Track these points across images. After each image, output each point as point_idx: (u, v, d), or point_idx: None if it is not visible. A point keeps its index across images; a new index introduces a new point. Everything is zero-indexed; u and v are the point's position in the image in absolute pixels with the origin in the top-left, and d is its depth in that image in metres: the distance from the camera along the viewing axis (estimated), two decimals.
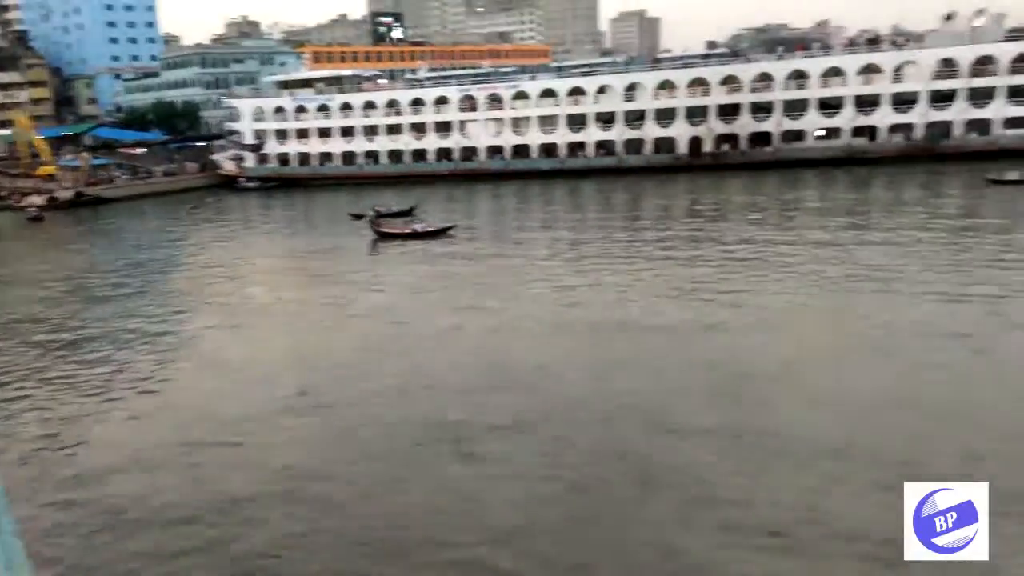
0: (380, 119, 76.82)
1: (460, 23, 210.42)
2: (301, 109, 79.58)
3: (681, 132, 67.68)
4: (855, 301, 27.41)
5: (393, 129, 76.43)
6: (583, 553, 13.97)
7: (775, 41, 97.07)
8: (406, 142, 76.01)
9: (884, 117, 62.74)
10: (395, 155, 76.57)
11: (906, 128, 62.43)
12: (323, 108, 78.78)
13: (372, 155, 77.46)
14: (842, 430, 17.45)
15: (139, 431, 20.37)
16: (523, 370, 22.54)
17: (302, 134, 79.44)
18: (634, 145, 69.15)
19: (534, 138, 72.19)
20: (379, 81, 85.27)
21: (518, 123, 72.91)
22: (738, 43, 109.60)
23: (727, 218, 45.75)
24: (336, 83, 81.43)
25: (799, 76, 65.01)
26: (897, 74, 62.66)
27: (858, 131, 63.40)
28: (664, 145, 68.33)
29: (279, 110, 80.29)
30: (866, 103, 63.19)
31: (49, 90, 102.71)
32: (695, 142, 67.39)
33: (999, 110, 60.02)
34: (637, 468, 16.57)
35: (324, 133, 78.76)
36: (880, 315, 25.37)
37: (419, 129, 75.63)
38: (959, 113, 61.05)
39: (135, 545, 14.96)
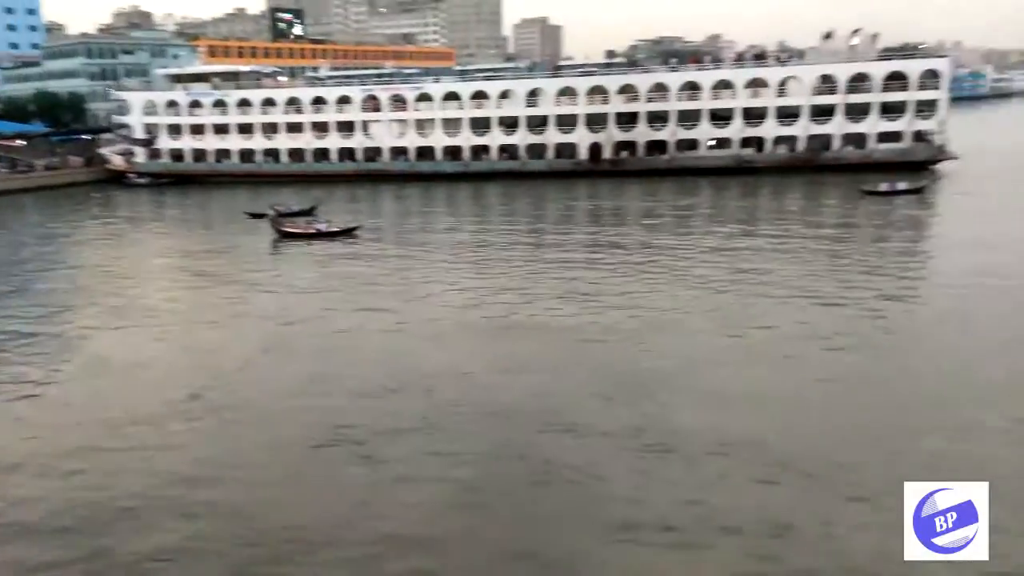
0: (280, 117, 75.18)
1: (363, 23, 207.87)
2: (196, 104, 76.98)
3: (582, 138, 69.29)
4: (743, 304, 28.88)
5: (294, 127, 74.98)
6: (480, 553, 14.23)
7: (670, 53, 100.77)
8: (307, 141, 74.71)
9: (770, 129, 66.17)
10: (296, 154, 75.12)
11: (790, 140, 66.05)
12: (220, 104, 76.42)
13: (272, 153, 75.71)
14: (729, 428, 18.45)
15: (20, 436, 19.35)
16: (423, 372, 22.67)
17: (197, 130, 76.87)
18: (536, 150, 70.31)
19: (438, 140, 72.30)
20: (279, 78, 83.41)
21: (422, 125, 72.85)
22: (636, 53, 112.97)
23: (625, 223, 47.21)
24: (233, 78, 79.17)
25: (692, 88, 67.72)
26: (782, 89, 66.18)
27: (747, 142, 66.61)
28: (565, 150, 69.79)
29: (172, 104, 77.40)
30: (754, 115, 66.46)
31: None
32: (595, 148, 69.14)
33: (873, 125, 64.36)
34: (536, 468, 16.98)
35: (221, 129, 76.42)
36: (765, 318, 26.85)
37: (321, 128, 74.49)
38: (838, 127, 65.08)
39: (11, 554, 14.29)
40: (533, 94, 70.77)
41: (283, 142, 75.25)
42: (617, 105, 68.42)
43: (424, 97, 72.87)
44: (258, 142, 75.75)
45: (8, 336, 27.92)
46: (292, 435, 18.88)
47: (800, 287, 30.66)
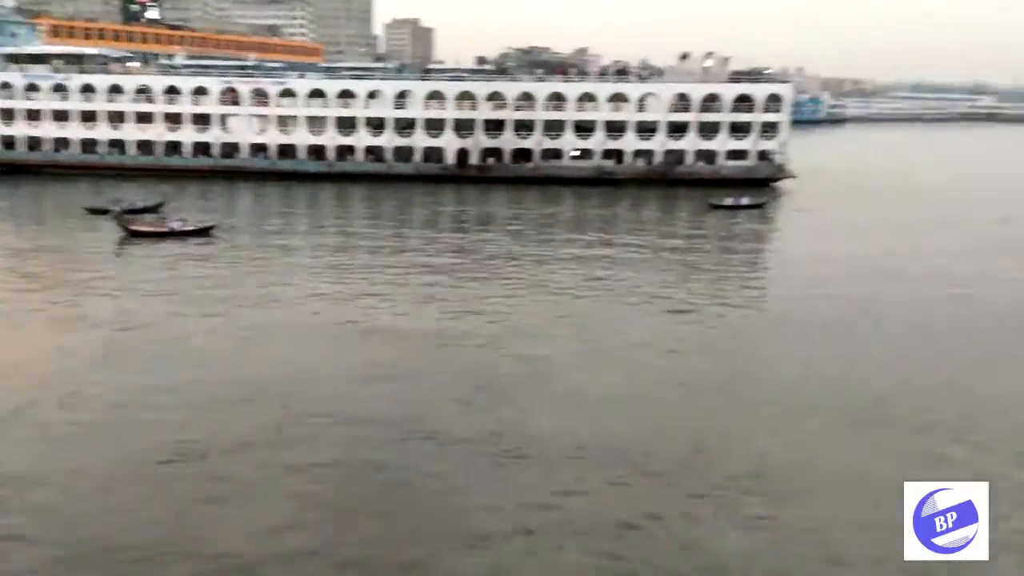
0: (128, 106, 70.51)
1: (225, 10, 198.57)
2: (33, 87, 70.93)
3: (450, 143, 69.39)
4: (599, 311, 29.95)
5: (144, 118, 70.45)
6: (331, 573, 13.93)
7: (538, 63, 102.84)
8: (159, 133, 70.43)
9: (630, 142, 68.93)
10: (145, 146, 70.65)
11: (648, 154, 69.06)
12: (60, 88, 70.76)
13: (117, 144, 70.84)
14: (584, 431, 19.06)
15: None
16: (275, 380, 21.96)
17: (33, 115, 70.85)
18: (404, 153, 69.73)
19: (302, 138, 70.18)
20: (129, 64, 78.26)
21: (285, 122, 70.46)
22: (506, 61, 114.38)
23: (490, 229, 47.71)
24: (77, 61, 73.58)
25: (558, 99, 69.46)
26: (641, 104, 69.08)
27: (608, 154, 69.05)
28: (433, 155, 69.65)
29: (5, 86, 70.96)
30: (615, 128, 69.02)
31: None
32: (462, 154, 69.46)
33: (723, 143, 68.43)
34: (394, 478, 16.82)
35: (60, 116, 70.77)
36: (620, 324, 27.99)
37: (174, 120, 70.43)
38: (691, 143, 68.71)
39: None
40: (402, 96, 70.15)
41: (131, 133, 70.58)
42: (485, 112, 69.06)
43: (288, 93, 70.56)
44: (102, 132, 70.67)
45: None
46: (125, 452, 17.72)
47: (652, 294, 32.18)
